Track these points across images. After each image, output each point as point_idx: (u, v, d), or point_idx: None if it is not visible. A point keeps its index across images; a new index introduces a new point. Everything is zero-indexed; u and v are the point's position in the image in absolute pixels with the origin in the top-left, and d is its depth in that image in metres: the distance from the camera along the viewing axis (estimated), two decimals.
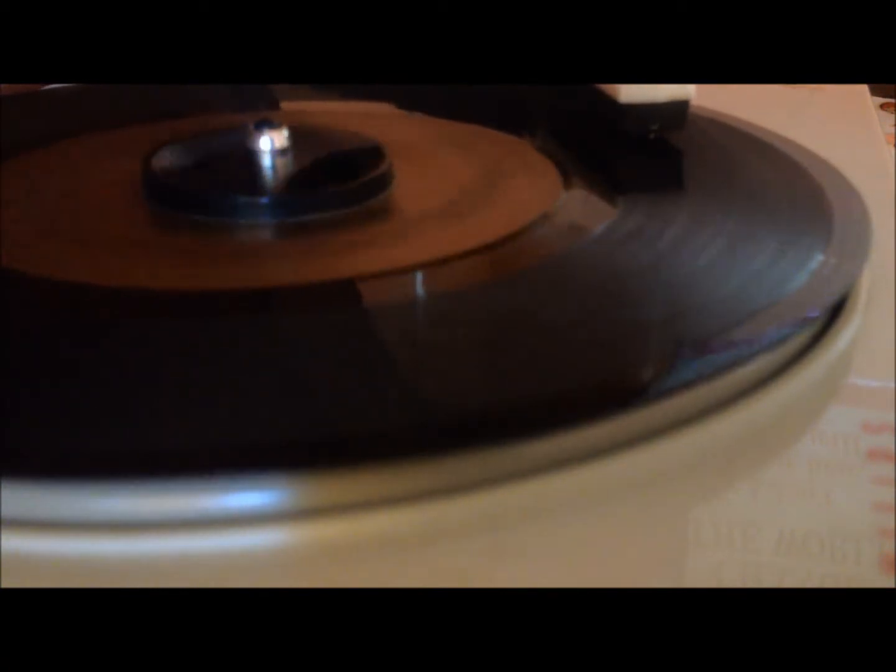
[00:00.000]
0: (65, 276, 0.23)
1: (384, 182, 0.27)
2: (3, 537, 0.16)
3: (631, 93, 0.30)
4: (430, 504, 0.16)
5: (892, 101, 0.47)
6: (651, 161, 0.30)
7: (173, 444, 0.17)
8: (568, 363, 0.19)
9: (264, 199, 0.26)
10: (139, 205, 0.27)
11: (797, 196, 0.27)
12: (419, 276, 0.23)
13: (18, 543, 0.16)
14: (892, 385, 0.20)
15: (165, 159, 0.28)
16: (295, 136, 0.28)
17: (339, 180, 0.27)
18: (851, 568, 0.16)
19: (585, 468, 0.17)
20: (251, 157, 0.27)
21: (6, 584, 0.15)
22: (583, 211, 0.27)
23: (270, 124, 0.27)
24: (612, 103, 0.30)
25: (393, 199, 0.27)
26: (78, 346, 0.20)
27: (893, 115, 0.46)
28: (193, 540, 0.16)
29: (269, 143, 0.27)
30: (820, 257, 0.23)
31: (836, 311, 0.22)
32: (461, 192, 0.28)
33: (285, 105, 0.36)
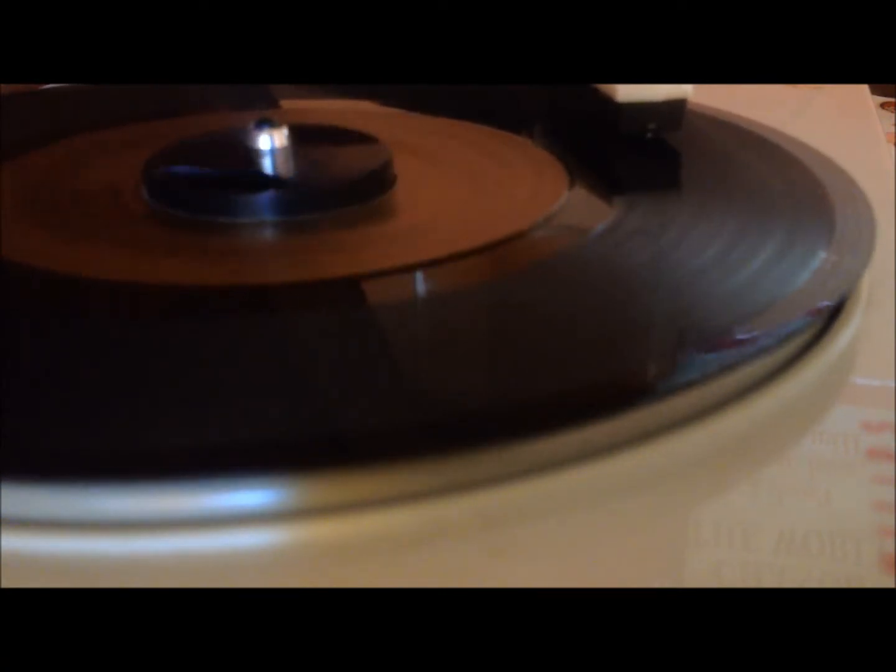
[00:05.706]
0: (65, 274, 0.23)
1: (385, 181, 0.27)
2: (3, 537, 0.16)
3: (627, 92, 0.29)
4: (430, 504, 0.16)
5: (892, 100, 0.47)
6: (651, 160, 0.30)
7: (173, 444, 0.17)
8: (568, 362, 0.19)
9: (264, 198, 0.26)
10: (139, 204, 0.27)
11: (798, 193, 0.27)
12: (420, 276, 0.23)
13: (18, 543, 0.16)
14: (893, 384, 0.20)
15: (165, 158, 0.28)
16: (295, 135, 0.28)
17: (340, 179, 0.27)
18: (851, 567, 0.16)
19: (585, 468, 0.17)
20: (251, 156, 0.27)
21: (6, 584, 0.15)
22: (583, 210, 0.27)
23: (270, 123, 0.27)
24: (609, 103, 0.30)
25: (394, 199, 0.27)
26: (77, 344, 0.20)
27: (893, 115, 0.46)
28: (193, 540, 0.16)
29: (269, 142, 0.27)
30: (823, 255, 0.23)
31: (836, 311, 0.22)
32: (461, 191, 0.28)
33: (285, 104, 0.36)
